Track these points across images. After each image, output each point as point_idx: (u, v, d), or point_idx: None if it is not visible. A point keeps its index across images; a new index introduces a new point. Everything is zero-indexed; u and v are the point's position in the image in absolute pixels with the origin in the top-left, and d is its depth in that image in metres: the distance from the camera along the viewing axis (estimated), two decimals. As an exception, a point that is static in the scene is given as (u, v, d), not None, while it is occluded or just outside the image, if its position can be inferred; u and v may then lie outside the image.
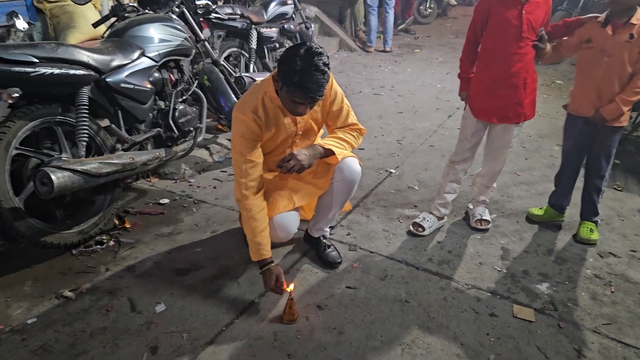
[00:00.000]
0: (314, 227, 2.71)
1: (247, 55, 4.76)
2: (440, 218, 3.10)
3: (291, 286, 2.30)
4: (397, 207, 3.32)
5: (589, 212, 3.03)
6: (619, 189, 3.68)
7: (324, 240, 2.74)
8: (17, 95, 2.35)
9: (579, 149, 2.97)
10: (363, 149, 4.20)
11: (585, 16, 2.84)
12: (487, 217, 3.12)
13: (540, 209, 3.22)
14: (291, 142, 2.44)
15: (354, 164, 2.47)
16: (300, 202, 2.50)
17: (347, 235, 2.98)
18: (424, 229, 3.01)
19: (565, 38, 2.86)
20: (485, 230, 3.07)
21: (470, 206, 3.25)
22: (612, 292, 2.57)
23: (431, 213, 3.10)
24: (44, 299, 2.39)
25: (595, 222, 3.03)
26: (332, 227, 3.01)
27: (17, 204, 2.46)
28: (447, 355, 2.14)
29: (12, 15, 3.98)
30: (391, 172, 3.81)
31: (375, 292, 2.51)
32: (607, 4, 2.72)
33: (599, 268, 2.76)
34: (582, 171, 3.06)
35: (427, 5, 10.00)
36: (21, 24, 3.97)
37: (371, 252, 2.83)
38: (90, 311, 2.32)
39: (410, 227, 3.04)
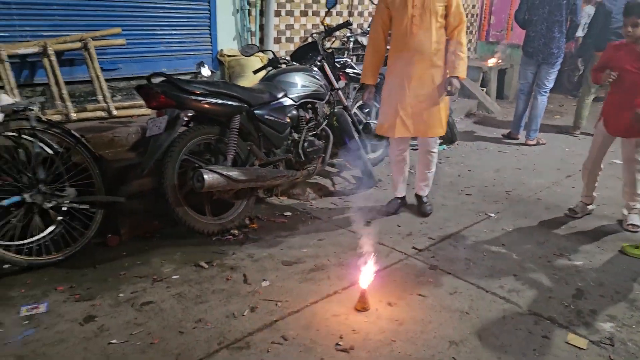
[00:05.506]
0: (416, 185, 4.17)
1: (378, 106, 5.45)
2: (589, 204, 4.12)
3: (366, 284, 2.82)
4: (485, 244, 3.64)
5: None
6: None
7: (424, 198, 4.09)
8: (190, 114, 3.29)
9: None
10: (470, 194, 4.56)
11: None
12: (636, 222, 3.82)
13: (637, 247, 3.37)
14: (410, 23, 3.57)
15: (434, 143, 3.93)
16: (413, 133, 3.83)
17: (431, 257, 3.40)
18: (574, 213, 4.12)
19: None
20: (635, 231, 3.79)
21: (625, 212, 3.91)
22: (681, 341, 2.62)
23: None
24: (186, 265, 3.21)
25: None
26: (428, 215, 3.47)
27: (179, 196, 3.36)
28: (489, 358, 2.45)
29: (200, 64, 5.20)
30: (490, 216, 4.12)
31: (442, 301, 2.89)
32: None
33: (676, 320, 2.80)
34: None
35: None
36: (206, 71, 5.15)
37: (448, 272, 3.21)
38: (215, 277, 3.08)
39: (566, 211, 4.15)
